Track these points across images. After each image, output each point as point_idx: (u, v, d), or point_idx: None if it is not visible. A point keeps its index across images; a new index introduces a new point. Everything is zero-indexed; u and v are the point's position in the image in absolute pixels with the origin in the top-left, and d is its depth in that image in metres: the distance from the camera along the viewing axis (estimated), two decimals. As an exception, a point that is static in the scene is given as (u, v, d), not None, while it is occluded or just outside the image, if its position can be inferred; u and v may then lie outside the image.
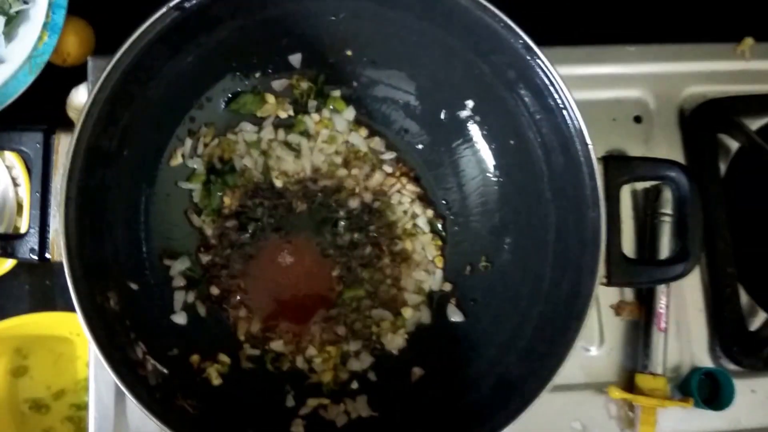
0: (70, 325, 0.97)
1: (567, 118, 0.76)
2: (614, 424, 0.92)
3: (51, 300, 1.02)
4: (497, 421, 0.73)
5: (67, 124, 0.96)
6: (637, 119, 1.01)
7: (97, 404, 0.87)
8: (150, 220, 0.87)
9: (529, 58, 0.76)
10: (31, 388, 1.02)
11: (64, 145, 0.75)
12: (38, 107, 0.99)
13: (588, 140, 0.75)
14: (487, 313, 0.88)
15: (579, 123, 0.75)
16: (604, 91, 1.01)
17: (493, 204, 0.91)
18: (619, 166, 0.78)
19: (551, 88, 0.76)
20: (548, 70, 0.76)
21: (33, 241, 0.76)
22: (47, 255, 0.76)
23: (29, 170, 0.76)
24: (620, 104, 1.01)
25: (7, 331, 0.96)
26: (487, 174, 0.91)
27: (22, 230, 0.92)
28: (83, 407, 1.01)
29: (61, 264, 0.72)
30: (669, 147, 1.00)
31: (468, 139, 0.92)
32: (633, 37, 1.03)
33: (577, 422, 0.92)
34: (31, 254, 0.76)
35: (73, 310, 0.70)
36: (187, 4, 0.75)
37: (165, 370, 0.79)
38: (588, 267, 0.75)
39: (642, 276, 0.79)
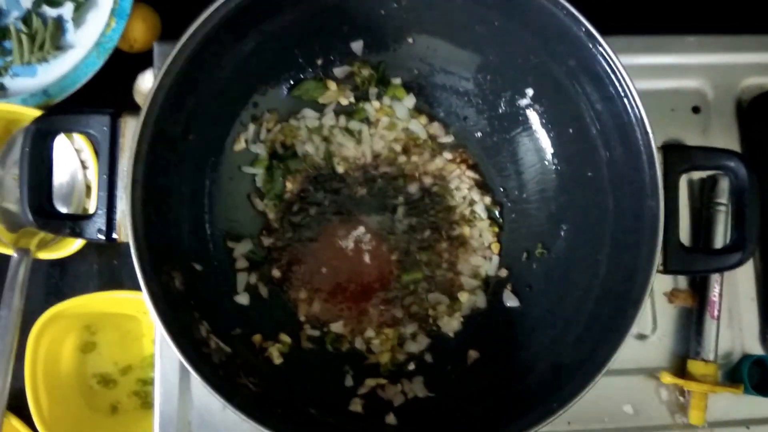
0: (137, 304, 0.99)
1: (628, 106, 0.76)
2: (665, 409, 0.93)
3: (118, 279, 1.05)
4: (551, 405, 0.74)
5: (134, 109, 0.99)
6: (696, 109, 1.00)
7: (162, 380, 0.89)
8: (214, 203, 0.88)
9: (591, 46, 0.77)
10: (99, 363, 1.04)
11: (131, 129, 0.76)
12: (106, 92, 1.02)
13: (649, 129, 0.75)
14: (543, 299, 0.89)
15: (640, 112, 0.75)
16: (662, 81, 1.00)
17: (551, 192, 0.91)
18: (678, 155, 0.78)
19: (613, 77, 0.76)
20: (610, 58, 0.76)
21: (101, 222, 0.77)
22: (114, 235, 0.77)
23: (97, 153, 0.78)
24: (679, 94, 1.01)
25: (77, 309, 0.98)
26: (546, 162, 0.91)
27: (91, 212, 0.96)
28: (149, 382, 1.04)
29: (128, 245, 0.73)
30: (726, 137, 1.00)
31: (527, 128, 0.92)
32: (692, 27, 1.03)
33: (629, 406, 0.93)
34: (98, 234, 0.77)
35: (139, 289, 0.72)
36: (250, -10, 0.76)
37: (228, 349, 0.81)
38: (645, 255, 0.75)
39: (699, 264, 0.79)
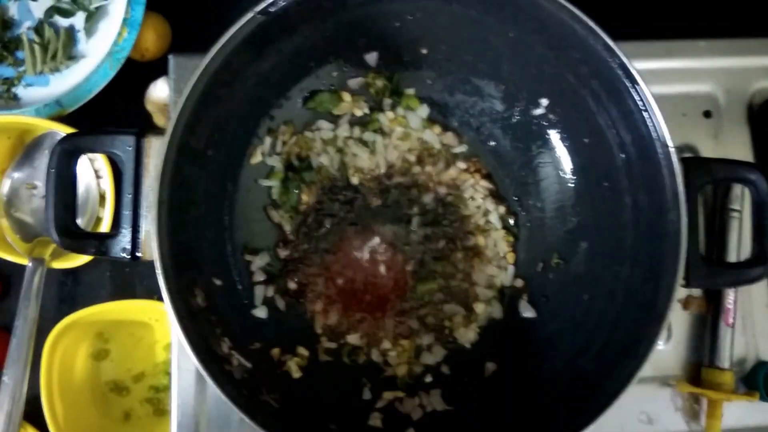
0: (149, 311, 1.00)
1: (647, 119, 0.76)
2: (680, 417, 0.93)
3: (131, 287, 1.05)
4: (574, 421, 0.74)
5: (146, 118, 0.99)
6: (707, 114, 1.00)
7: (179, 392, 0.89)
8: (233, 217, 0.89)
9: (609, 59, 0.77)
10: (112, 370, 1.05)
11: (155, 148, 0.76)
12: (118, 101, 1.02)
13: (669, 142, 0.75)
14: (561, 311, 0.89)
15: (660, 125, 0.75)
16: (674, 85, 1.00)
17: (568, 202, 0.91)
18: (698, 168, 0.77)
19: (631, 90, 0.76)
20: (629, 71, 0.76)
21: (125, 241, 0.77)
22: (138, 254, 0.77)
23: (120, 171, 0.78)
24: (690, 99, 1.01)
25: (90, 317, 0.98)
26: (560, 171, 0.91)
27: (104, 223, 0.96)
28: (161, 389, 1.04)
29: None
30: (738, 142, 1.00)
31: (542, 138, 0.92)
32: (703, 31, 1.03)
33: (644, 414, 0.93)
34: (123, 253, 0.77)
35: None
36: (272, 9, 0.76)
37: (249, 364, 0.81)
38: (668, 270, 0.75)
39: (720, 278, 0.79)
